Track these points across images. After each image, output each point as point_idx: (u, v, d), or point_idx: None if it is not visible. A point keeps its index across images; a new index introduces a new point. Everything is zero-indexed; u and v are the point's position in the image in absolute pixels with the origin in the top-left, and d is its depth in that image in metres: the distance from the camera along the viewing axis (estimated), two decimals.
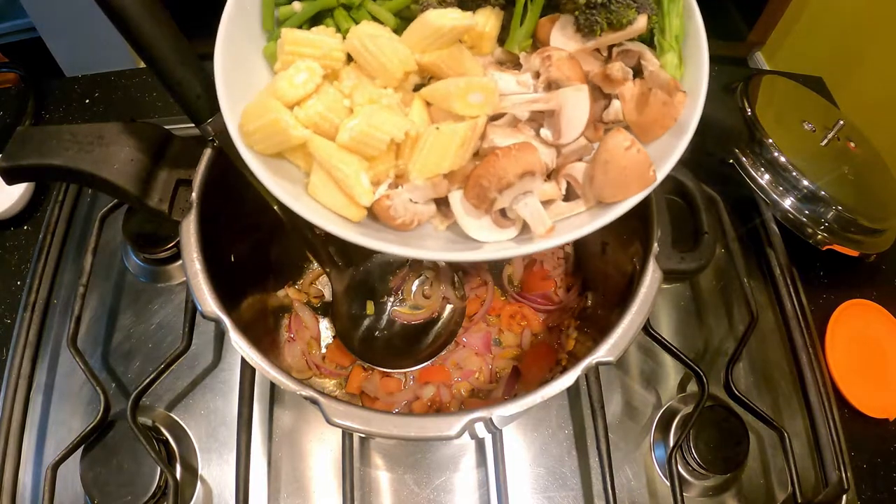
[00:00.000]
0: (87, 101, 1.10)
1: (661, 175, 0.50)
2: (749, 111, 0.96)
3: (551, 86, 0.53)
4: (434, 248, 0.52)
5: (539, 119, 0.55)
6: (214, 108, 0.57)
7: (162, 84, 0.55)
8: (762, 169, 0.92)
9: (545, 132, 0.53)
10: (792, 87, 1.07)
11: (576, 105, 0.51)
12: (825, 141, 0.96)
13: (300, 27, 0.57)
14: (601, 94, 0.56)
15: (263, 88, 0.54)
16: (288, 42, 0.52)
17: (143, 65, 1.16)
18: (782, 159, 0.91)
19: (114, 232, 0.93)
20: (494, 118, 0.54)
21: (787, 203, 0.91)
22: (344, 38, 0.55)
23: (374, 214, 0.52)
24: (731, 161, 0.93)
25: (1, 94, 1.11)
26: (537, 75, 0.55)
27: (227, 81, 0.52)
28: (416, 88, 0.56)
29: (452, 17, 0.51)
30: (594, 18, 0.52)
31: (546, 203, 0.52)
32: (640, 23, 0.53)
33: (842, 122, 0.97)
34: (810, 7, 1.41)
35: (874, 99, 1.24)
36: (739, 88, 1.00)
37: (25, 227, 0.97)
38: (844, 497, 0.80)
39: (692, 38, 0.55)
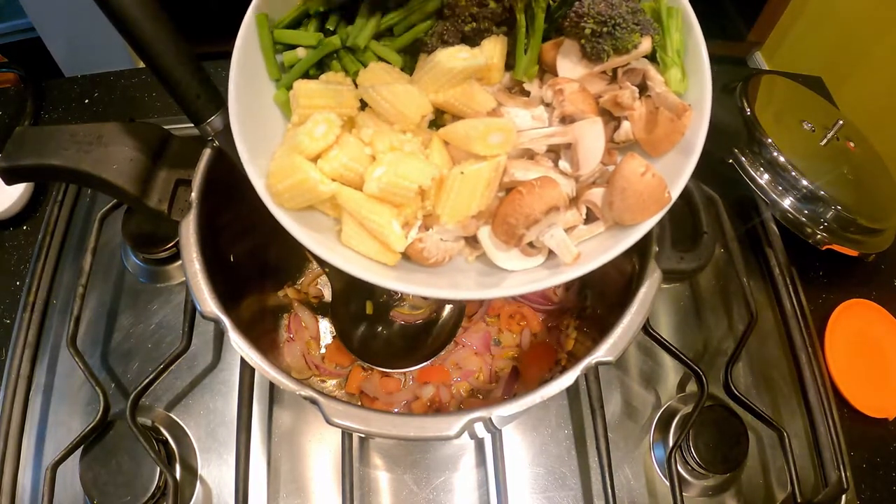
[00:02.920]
0: (86, 101, 1.10)
1: (675, 194, 0.52)
2: (748, 111, 0.96)
3: (565, 119, 0.54)
4: (467, 287, 0.53)
5: (556, 149, 0.56)
6: (213, 108, 0.58)
7: (161, 84, 0.55)
8: (761, 169, 0.92)
9: (563, 164, 0.55)
10: (791, 86, 1.07)
11: (592, 137, 0.52)
12: (824, 141, 0.96)
13: (307, 72, 0.58)
14: (611, 116, 0.57)
15: (284, 143, 0.55)
16: (302, 95, 0.52)
17: (142, 65, 1.16)
18: (781, 159, 0.91)
19: (113, 232, 0.93)
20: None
21: (787, 203, 0.91)
22: (353, 80, 0.56)
23: (406, 255, 0.54)
24: (730, 161, 0.93)
25: (0, 93, 1.11)
26: (549, 105, 0.56)
27: (245, 134, 0.53)
28: (431, 123, 0.57)
29: (463, 58, 0.51)
30: (601, 46, 0.53)
31: (568, 229, 0.54)
32: (645, 45, 0.54)
33: (841, 122, 0.97)
34: (810, 7, 1.41)
35: (874, 99, 1.24)
36: (739, 88, 1.00)
37: (25, 228, 0.97)
38: (844, 497, 0.80)
39: (693, 51, 0.56)
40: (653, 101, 0.54)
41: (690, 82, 0.56)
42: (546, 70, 0.59)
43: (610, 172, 0.54)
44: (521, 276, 0.54)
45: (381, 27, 0.58)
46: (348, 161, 0.51)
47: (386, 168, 0.49)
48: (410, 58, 0.59)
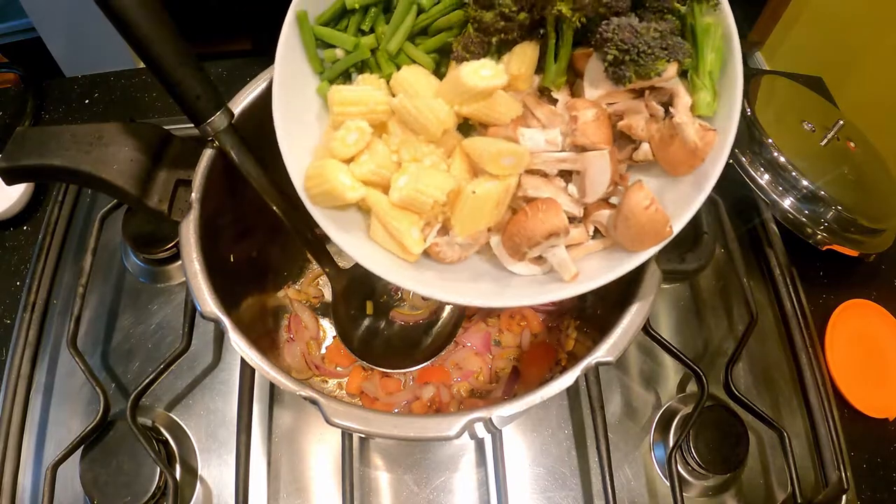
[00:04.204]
0: (87, 101, 1.10)
1: (677, 229, 0.52)
2: (749, 111, 0.95)
3: (577, 146, 0.55)
4: (480, 294, 0.56)
5: (568, 171, 0.57)
6: (214, 109, 0.58)
7: (161, 85, 0.55)
8: (762, 169, 0.92)
9: (572, 188, 0.56)
10: (792, 86, 1.07)
11: (598, 169, 0.53)
12: (825, 141, 0.96)
13: (346, 70, 0.60)
14: (630, 139, 0.57)
15: (321, 146, 0.58)
16: (335, 103, 0.55)
17: (142, 65, 1.16)
18: (782, 159, 0.91)
19: (113, 232, 0.93)
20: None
21: (787, 203, 0.90)
22: (388, 82, 0.58)
23: (426, 253, 0.58)
24: (730, 161, 0.93)
25: (0, 94, 1.11)
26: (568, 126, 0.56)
27: (287, 130, 0.57)
28: (462, 126, 0.59)
29: (484, 76, 0.52)
30: (622, 72, 0.52)
31: (575, 245, 0.56)
32: (670, 72, 0.53)
33: (841, 122, 0.97)
34: (810, 7, 1.41)
35: (874, 99, 1.24)
36: None
37: (25, 228, 0.97)
38: (844, 497, 0.80)
39: (728, 73, 0.53)
40: (673, 127, 0.53)
41: (720, 105, 0.54)
42: (578, 76, 0.58)
43: (622, 192, 0.55)
44: (528, 288, 0.56)
45: (416, 28, 0.59)
46: (376, 167, 0.55)
47: (408, 179, 0.53)
48: (444, 58, 0.60)
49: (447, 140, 0.57)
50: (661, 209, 0.51)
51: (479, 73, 0.52)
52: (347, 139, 0.55)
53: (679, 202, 0.53)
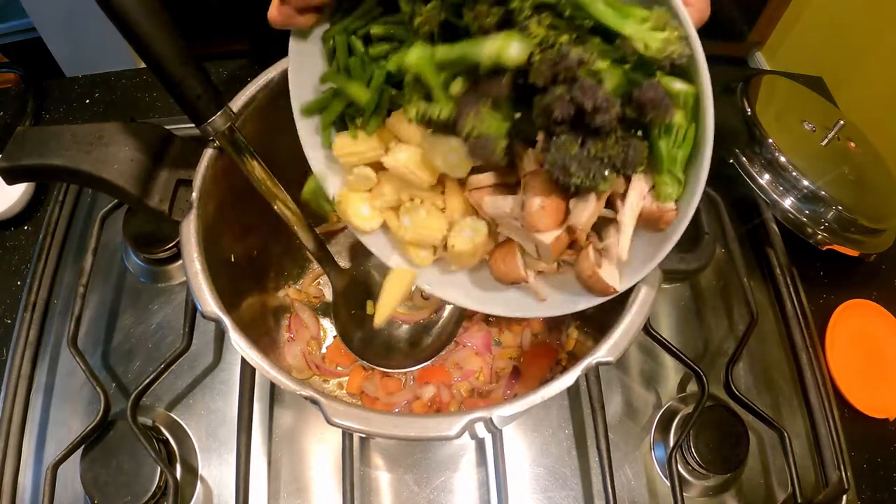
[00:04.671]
0: (87, 101, 1.10)
1: (621, 289, 0.55)
2: (749, 111, 0.96)
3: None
4: (470, 298, 0.64)
5: None
6: (214, 109, 0.57)
7: (162, 84, 0.55)
8: (762, 169, 0.92)
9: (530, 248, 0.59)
10: (792, 86, 1.07)
11: (542, 248, 0.56)
12: (825, 141, 0.96)
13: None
14: None
15: (344, 183, 0.65)
16: (339, 154, 0.61)
17: (143, 65, 1.16)
18: (782, 159, 0.91)
19: (114, 232, 0.93)
20: None
21: (787, 203, 0.91)
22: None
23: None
24: (730, 161, 0.93)
25: (1, 94, 1.11)
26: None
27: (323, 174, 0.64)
28: None
29: (450, 162, 0.55)
30: (566, 182, 0.49)
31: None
32: (618, 187, 0.52)
33: (842, 122, 0.97)
34: (810, 7, 1.41)
35: (874, 99, 1.24)
36: (739, 88, 1.00)
37: (25, 227, 0.97)
38: (844, 497, 0.80)
39: (694, 164, 0.48)
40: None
41: (684, 191, 0.50)
42: None
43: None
44: (512, 301, 0.62)
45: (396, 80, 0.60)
46: (384, 202, 0.62)
47: (409, 221, 0.61)
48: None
49: (439, 187, 0.61)
50: (601, 279, 0.54)
51: (447, 158, 0.55)
52: (360, 185, 0.62)
53: (640, 261, 0.54)
